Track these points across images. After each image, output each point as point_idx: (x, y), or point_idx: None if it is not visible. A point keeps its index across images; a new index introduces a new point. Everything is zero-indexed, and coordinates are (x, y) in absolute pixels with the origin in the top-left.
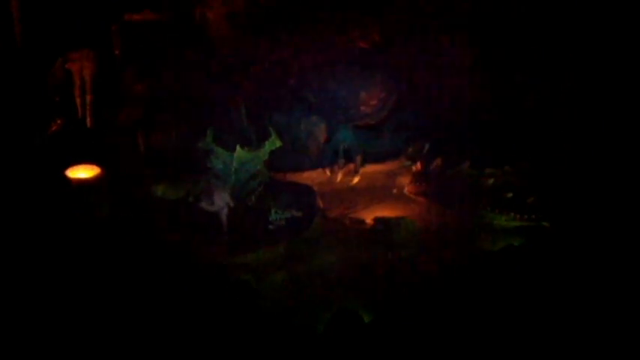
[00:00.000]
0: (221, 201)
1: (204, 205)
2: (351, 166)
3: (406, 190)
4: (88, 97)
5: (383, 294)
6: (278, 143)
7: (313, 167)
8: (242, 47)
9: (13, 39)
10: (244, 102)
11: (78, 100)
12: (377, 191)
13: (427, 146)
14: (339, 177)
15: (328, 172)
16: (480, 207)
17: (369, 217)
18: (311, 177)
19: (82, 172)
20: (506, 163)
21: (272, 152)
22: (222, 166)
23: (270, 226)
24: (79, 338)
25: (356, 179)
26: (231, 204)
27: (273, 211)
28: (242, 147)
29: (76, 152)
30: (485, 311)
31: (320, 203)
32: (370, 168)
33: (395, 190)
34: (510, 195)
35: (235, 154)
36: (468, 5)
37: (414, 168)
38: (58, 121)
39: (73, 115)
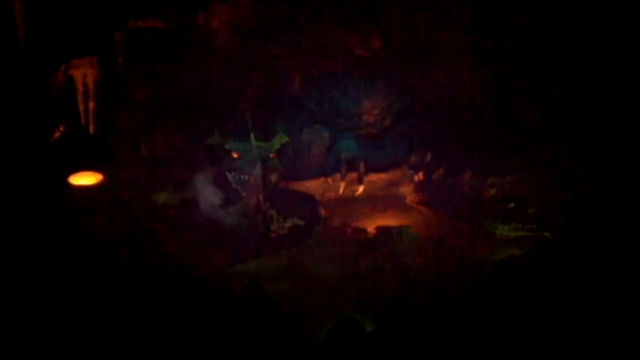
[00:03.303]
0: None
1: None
2: (354, 175)
3: (408, 199)
4: (91, 104)
5: (384, 303)
6: (285, 139)
7: (315, 176)
8: (244, 55)
9: (17, 46)
10: (250, 107)
11: (81, 107)
12: (379, 200)
13: (429, 155)
14: (342, 189)
15: (330, 181)
16: (481, 217)
17: (370, 226)
18: (313, 185)
19: (84, 179)
20: (508, 174)
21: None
22: (245, 154)
23: (272, 235)
24: (79, 343)
25: (360, 189)
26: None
27: (275, 219)
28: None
29: (78, 159)
30: (487, 320)
31: (322, 212)
32: (372, 177)
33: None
34: (512, 205)
35: (251, 141)
36: (469, 14)
37: (416, 177)
38: (61, 128)
39: (76, 122)
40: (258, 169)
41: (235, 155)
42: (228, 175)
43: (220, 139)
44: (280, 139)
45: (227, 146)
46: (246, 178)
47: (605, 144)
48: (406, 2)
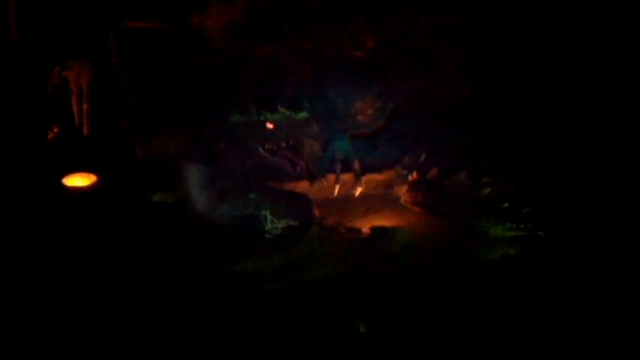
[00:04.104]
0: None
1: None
2: (347, 176)
3: (402, 199)
4: (85, 105)
5: (379, 303)
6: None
7: None
8: (238, 56)
9: (11, 47)
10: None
11: (75, 108)
12: (373, 200)
13: (423, 156)
14: (336, 189)
15: (325, 182)
16: (476, 216)
17: (365, 226)
18: (307, 186)
19: (79, 180)
20: (502, 173)
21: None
22: (280, 123)
23: (267, 235)
24: (76, 343)
25: (359, 190)
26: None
27: (269, 220)
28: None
29: (73, 160)
30: (482, 320)
31: (316, 212)
32: (366, 177)
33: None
34: (506, 205)
35: (283, 112)
36: (464, 15)
37: (410, 177)
38: (55, 129)
39: (70, 123)
40: (303, 134)
41: (270, 126)
42: (259, 147)
43: (241, 117)
44: (303, 115)
45: (261, 117)
46: (284, 145)
47: (598, 144)
48: (401, 3)
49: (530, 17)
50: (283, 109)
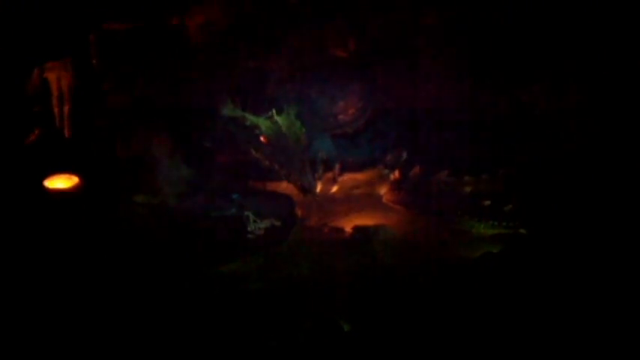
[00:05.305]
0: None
1: None
2: (329, 174)
3: (384, 198)
4: (66, 107)
5: (362, 302)
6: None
7: None
8: (220, 56)
9: None
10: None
11: (56, 110)
12: (355, 200)
13: (405, 154)
14: (318, 187)
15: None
16: (458, 215)
17: (347, 225)
18: (289, 186)
19: (60, 182)
20: (483, 171)
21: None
22: (274, 138)
23: (249, 236)
24: (58, 346)
25: (335, 188)
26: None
27: (251, 220)
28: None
29: (54, 162)
30: (464, 318)
31: (298, 212)
32: (348, 176)
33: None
34: (488, 203)
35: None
36: (447, 15)
37: (392, 176)
38: (36, 131)
39: (51, 125)
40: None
41: (264, 140)
42: (252, 150)
43: (234, 111)
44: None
45: (256, 131)
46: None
47: (580, 142)
48: (384, 3)
49: (514, 17)
50: (274, 115)
